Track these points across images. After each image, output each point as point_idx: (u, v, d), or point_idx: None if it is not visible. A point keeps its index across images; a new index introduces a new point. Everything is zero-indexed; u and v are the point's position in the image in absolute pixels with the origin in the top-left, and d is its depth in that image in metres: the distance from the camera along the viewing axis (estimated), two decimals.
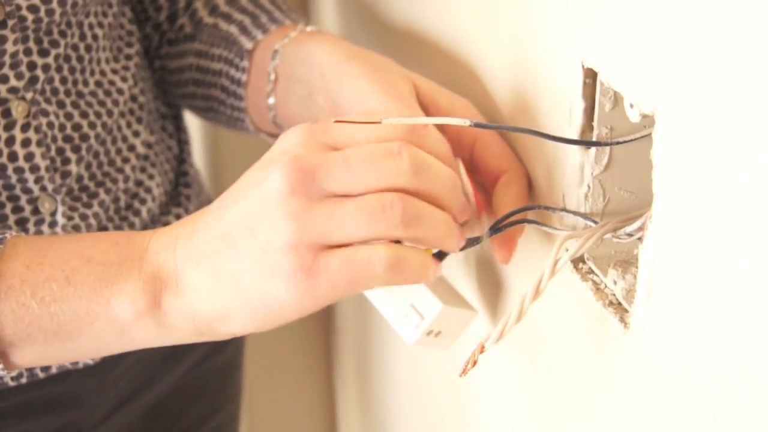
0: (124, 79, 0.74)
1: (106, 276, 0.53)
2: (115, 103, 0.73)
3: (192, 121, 1.06)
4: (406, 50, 0.78)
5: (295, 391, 1.47)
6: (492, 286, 0.69)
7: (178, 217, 0.79)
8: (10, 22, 0.63)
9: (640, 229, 0.48)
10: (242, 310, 0.50)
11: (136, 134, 0.76)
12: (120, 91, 0.74)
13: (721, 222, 0.39)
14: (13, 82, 0.64)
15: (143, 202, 0.76)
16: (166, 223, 0.78)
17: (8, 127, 0.65)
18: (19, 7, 0.63)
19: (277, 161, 0.49)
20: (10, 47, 0.63)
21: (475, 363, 0.51)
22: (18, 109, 0.65)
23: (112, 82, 0.73)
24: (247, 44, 0.72)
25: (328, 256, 0.49)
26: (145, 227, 0.76)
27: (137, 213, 0.75)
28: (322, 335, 1.43)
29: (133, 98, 0.76)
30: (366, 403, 1.25)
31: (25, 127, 0.66)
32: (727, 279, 0.39)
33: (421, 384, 0.96)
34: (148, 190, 0.76)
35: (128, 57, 0.76)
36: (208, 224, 0.51)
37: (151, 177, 0.77)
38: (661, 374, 0.46)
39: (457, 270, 0.73)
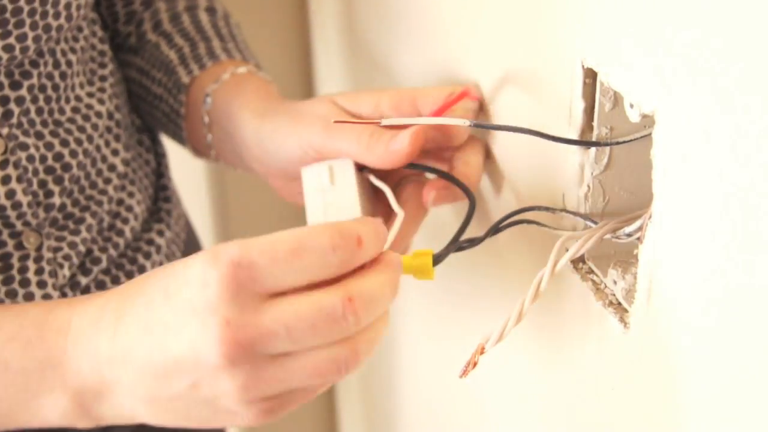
0: (101, 102, 0.73)
1: (27, 387, 0.50)
2: (95, 127, 0.72)
3: None
4: (404, 48, 0.78)
5: None
6: (492, 287, 0.69)
7: (160, 233, 0.78)
8: None
9: (639, 229, 0.48)
10: (193, 426, 0.49)
11: (115, 153, 0.75)
12: (98, 115, 0.73)
13: (721, 222, 0.39)
14: None
15: (125, 221, 0.75)
16: (149, 241, 0.77)
17: None
18: None
19: (206, 324, 0.45)
20: None
21: (475, 364, 0.51)
22: None
23: (89, 106, 0.72)
24: (185, 78, 0.74)
25: (291, 394, 0.47)
26: (128, 246, 0.75)
27: (120, 233, 0.74)
28: None
29: (110, 116, 0.75)
30: (367, 403, 1.25)
31: (3, 164, 0.64)
32: (727, 279, 0.39)
33: (421, 385, 0.96)
34: (130, 209, 0.75)
35: (102, 78, 0.75)
36: (138, 353, 0.47)
37: (131, 195, 0.76)
38: (661, 374, 0.46)
39: (457, 271, 0.73)
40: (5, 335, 0.51)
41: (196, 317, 0.45)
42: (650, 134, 0.44)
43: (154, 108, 0.77)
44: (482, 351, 0.51)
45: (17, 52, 0.63)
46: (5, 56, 0.63)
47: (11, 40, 0.62)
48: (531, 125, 0.57)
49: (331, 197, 0.59)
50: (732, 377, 0.41)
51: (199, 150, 0.77)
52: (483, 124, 0.57)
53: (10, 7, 0.61)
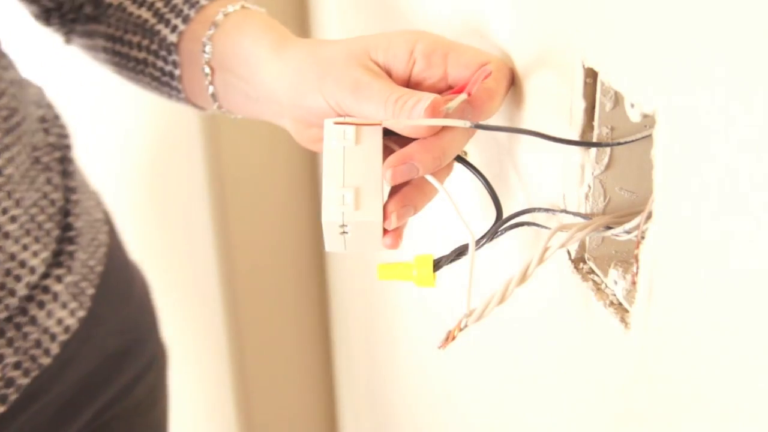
0: None
1: None
2: None
3: (190, 114, 1.04)
4: None
5: (295, 392, 1.47)
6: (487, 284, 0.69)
7: (58, 279, 0.75)
8: None
9: (637, 227, 0.48)
10: None
11: (4, 212, 0.70)
12: None
13: (722, 222, 0.39)
14: None
15: (18, 278, 0.71)
16: (45, 288, 0.74)
17: None
18: None
19: None
20: None
21: (454, 338, 0.52)
22: None
23: None
24: (171, 37, 0.68)
25: None
26: (21, 297, 0.71)
27: (12, 292, 0.70)
28: (322, 335, 1.43)
29: None
30: (367, 404, 1.25)
31: None
32: (727, 279, 0.39)
33: (420, 384, 0.96)
34: (23, 264, 0.72)
35: None
36: None
37: (25, 248, 0.72)
38: (662, 375, 0.46)
39: (455, 266, 0.72)
40: None
41: None
42: (651, 134, 0.43)
43: (139, 73, 0.72)
44: (462, 326, 0.52)
45: None
46: None
47: None
48: (531, 125, 0.57)
49: (353, 156, 0.57)
50: (733, 377, 0.41)
51: (199, 105, 0.71)
52: (484, 126, 0.57)
53: None
